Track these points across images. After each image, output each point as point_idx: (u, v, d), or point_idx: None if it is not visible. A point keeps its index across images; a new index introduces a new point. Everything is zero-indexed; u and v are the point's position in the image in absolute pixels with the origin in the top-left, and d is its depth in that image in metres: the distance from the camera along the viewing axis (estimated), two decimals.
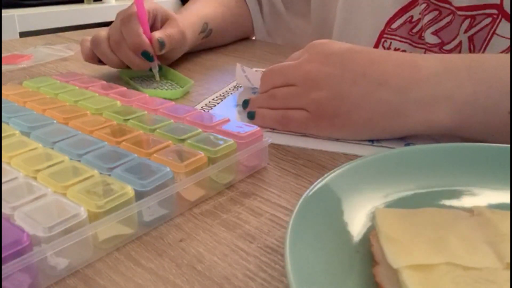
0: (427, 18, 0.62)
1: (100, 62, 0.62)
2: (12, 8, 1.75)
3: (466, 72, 0.39)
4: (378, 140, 0.43)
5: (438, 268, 0.22)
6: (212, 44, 0.80)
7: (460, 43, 0.61)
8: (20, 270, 0.23)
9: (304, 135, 0.45)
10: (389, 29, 0.66)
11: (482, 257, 0.23)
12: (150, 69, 0.61)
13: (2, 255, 0.23)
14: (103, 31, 0.60)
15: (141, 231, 0.30)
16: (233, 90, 0.58)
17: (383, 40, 0.68)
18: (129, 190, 0.28)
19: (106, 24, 0.64)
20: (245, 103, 0.49)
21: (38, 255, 0.24)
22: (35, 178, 0.30)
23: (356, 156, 0.40)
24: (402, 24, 0.65)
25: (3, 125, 0.37)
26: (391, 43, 0.67)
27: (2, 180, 0.29)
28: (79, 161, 0.32)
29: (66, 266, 0.26)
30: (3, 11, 1.65)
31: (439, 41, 0.62)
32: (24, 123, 0.38)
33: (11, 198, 0.27)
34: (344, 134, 0.43)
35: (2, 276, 0.23)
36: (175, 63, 0.71)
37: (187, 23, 0.67)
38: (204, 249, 0.28)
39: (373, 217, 0.27)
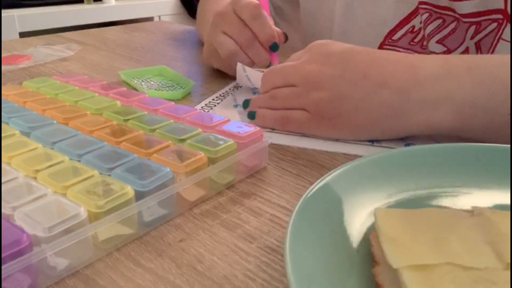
0: (430, 28, 0.61)
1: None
2: (12, 8, 1.75)
3: (467, 73, 0.39)
4: (378, 140, 0.43)
5: (438, 268, 0.22)
6: None
7: (467, 49, 0.61)
8: (20, 270, 0.23)
9: (304, 135, 0.45)
10: (390, 41, 0.66)
11: (482, 257, 0.23)
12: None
13: (2, 255, 0.23)
14: (223, 38, 0.57)
15: (141, 231, 0.30)
16: (233, 90, 0.58)
17: None
18: (129, 190, 0.28)
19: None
20: (246, 103, 0.49)
21: (38, 255, 0.24)
22: (35, 178, 0.30)
23: (356, 156, 0.40)
24: (403, 35, 0.65)
25: (3, 125, 0.37)
26: None
27: (2, 180, 0.29)
28: (79, 161, 0.32)
29: (66, 266, 0.26)
30: (3, 11, 1.65)
31: (444, 49, 0.62)
32: (24, 123, 0.38)
33: (11, 198, 0.27)
34: (344, 135, 0.43)
35: (2, 276, 0.23)
36: (176, 63, 0.71)
37: None
38: (204, 249, 0.28)
39: (373, 217, 0.27)
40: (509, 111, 0.37)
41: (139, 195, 0.29)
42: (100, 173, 0.31)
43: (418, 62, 0.41)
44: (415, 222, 0.26)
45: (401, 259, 0.22)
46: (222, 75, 0.64)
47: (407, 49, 0.66)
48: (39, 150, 0.34)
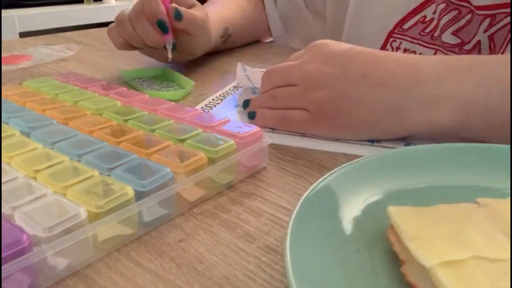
0: (446, 18, 0.61)
1: (134, 47, 0.59)
2: (12, 8, 1.75)
3: (467, 73, 0.39)
4: (378, 140, 0.43)
5: (467, 263, 0.22)
6: (225, 48, 0.77)
7: (479, 42, 0.60)
8: (20, 270, 0.23)
9: (304, 135, 0.45)
10: (400, 29, 0.65)
11: (503, 248, 0.23)
12: (165, 46, 0.58)
13: (2, 255, 0.23)
14: (126, 10, 0.57)
15: (141, 231, 0.30)
16: (233, 90, 0.58)
17: (391, 40, 0.66)
18: (129, 190, 0.28)
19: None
20: (246, 104, 0.49)
21: (38, 255, 0.24)
22: (35, 178, 0.30)
23: (356, 156, 0.40)
24: (414, 24, 0.64)
25: (3, 125, 0.37)
26: (400, 43, 0.66)
27: (2, 180, 0.29)
28: (79, 161, 0.32)
29: (66, 266, 0.26)
30: (3, 11, 1.65)
31: (459, 41, 0.61)
32: (24, 123, 0.38)
33: (11, 198, 0.27)
34: (344, 134, 0.43)
35: (2, 276, 0.23)
36: (176, 64, 0.71)
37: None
38: (204, 249, 0.28)
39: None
40: (509, 111, 0.37)
41: (139, 195, 0.29)
42: (100, 173, 0.31)
43: (418, 62, 0.41)
44: (430, 218, 0.25)
45: (431, 257, 0.22)
46: (222, 75, 0.64)
47: (417, 39, 0.65)
48: (39, 150, 0.34)
